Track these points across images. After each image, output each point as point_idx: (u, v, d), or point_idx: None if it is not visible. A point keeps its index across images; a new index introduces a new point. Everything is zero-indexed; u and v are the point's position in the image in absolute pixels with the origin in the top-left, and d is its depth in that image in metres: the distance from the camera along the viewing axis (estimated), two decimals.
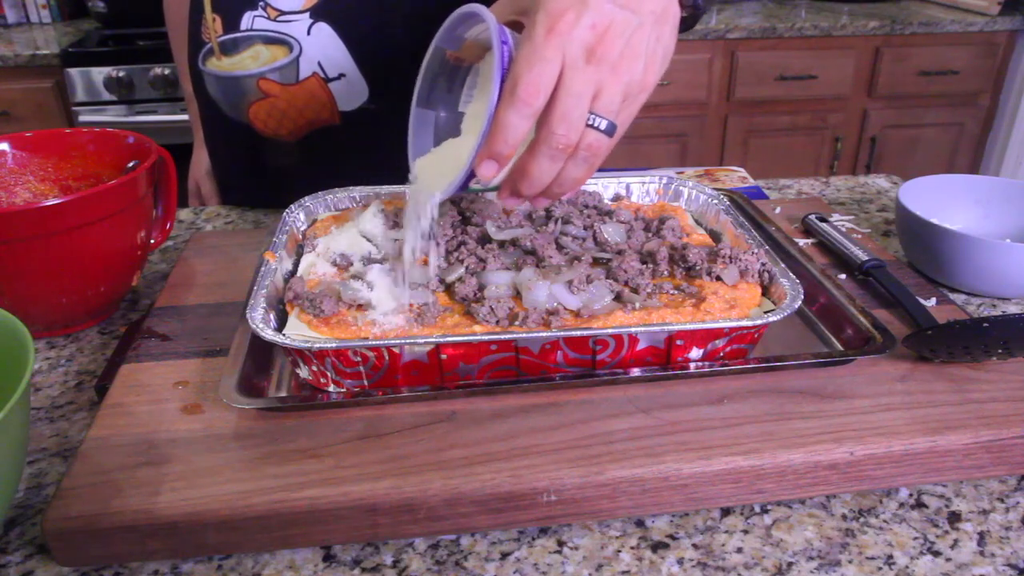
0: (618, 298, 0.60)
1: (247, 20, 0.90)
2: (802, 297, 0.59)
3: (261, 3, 0.89)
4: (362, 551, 0.50)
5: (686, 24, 0.67)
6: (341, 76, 0.91)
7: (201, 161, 1.14)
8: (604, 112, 0.52)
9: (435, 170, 0.61)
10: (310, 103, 0.92)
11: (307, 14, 0.89)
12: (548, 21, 0.50)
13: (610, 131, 0.53)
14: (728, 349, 0.58)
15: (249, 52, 0.91)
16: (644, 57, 0.53)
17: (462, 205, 0.72)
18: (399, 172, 0.82)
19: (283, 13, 0.89)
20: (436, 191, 0.58)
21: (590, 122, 0.52)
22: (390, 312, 0.58)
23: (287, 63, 0.90)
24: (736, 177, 1.08)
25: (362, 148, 0.96)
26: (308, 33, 0.89)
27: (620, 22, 0.51)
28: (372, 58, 0.91)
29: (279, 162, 0.98)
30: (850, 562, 0.48)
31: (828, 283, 0.68)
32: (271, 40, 0.90)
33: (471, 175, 0.54)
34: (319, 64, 0.90)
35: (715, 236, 0.73)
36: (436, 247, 0.63)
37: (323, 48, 0.90)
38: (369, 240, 0.69)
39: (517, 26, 0.56)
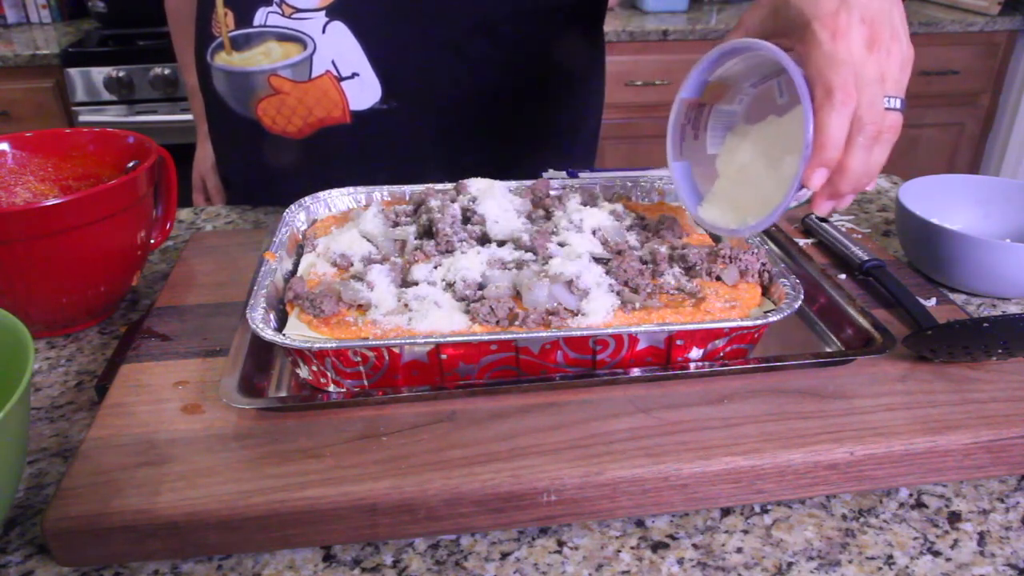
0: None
1: (260, 16, 0.90)
2: (802, 297, 0.59)
3: (276, 0, 0.89)
4: (362, 551, 0.50)
5: None
6: (354, 75, 0.91)
7: (206, 156, 1.14)
8: (894, 91, 0.55)
9: (736, 204, 0.64)
10: (321, 101, 0.92)
11: (323, 12, 0.89)
12: (828, 26, 0.54)
13: (904, 108, 0.56)
14: (728, 349, 0.58)
15: (261, 48, 0.91)
16: (904, 32, 0.56)
17: (464, 203, 0.72)
18: (405, 174, 0.82)
19: (298, 10, 0.89)
20: (759, 218, 0.60)
21: (887, 104, 0.55)
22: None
23: (301, 60, 0.90)
24: None
25: (371, 148, 0.95)
26: (323, 31, 0.89)
27: (879, 9, 0.55)
28: (387, 58, 0.91)
29: (283, 159, 0.98)
30: (850, 562, 0.48)
31: (828, 283, 0.68)
32: (284, 37, 0.90)
33: (799, 190, 0.57)
34: (332, 62, 0.90)
35: (715, 236, 0.73)
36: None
37: (338, 47, 0.90)
38: (369, 240, 0.69)
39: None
